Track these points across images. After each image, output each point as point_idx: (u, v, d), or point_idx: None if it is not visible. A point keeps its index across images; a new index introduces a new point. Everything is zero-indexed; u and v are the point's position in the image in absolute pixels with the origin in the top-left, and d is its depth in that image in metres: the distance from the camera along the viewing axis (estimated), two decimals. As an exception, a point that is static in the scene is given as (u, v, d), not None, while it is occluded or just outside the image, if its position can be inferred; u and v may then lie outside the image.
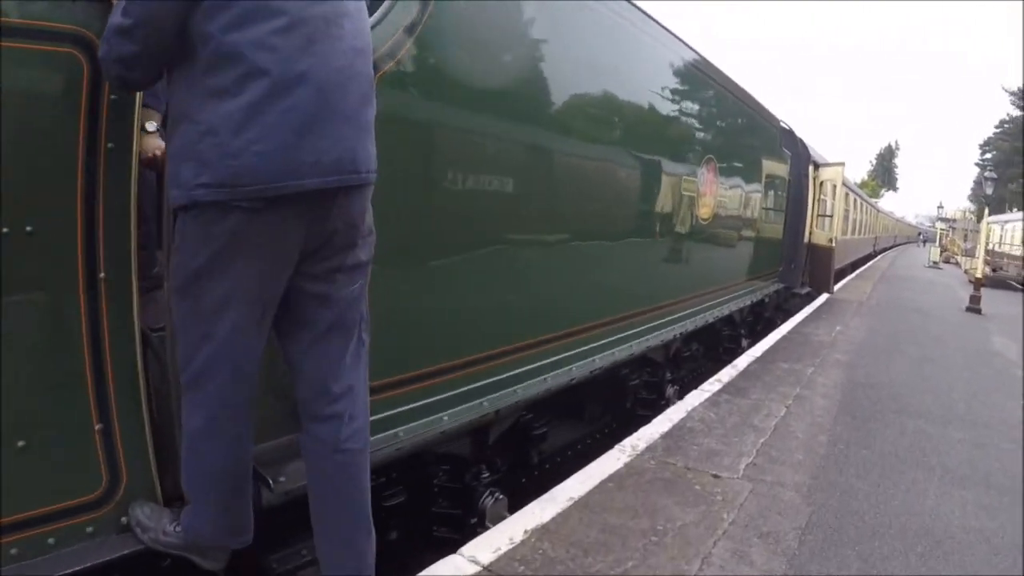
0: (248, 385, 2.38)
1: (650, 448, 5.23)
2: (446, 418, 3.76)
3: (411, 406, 3.54)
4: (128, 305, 2.37)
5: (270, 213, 2.16)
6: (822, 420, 6.31)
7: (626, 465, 4.87)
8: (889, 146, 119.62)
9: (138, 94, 2.36)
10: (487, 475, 4.49)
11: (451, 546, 3.76)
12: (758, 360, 8.87)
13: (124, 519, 2.42)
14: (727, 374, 7.91)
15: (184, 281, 2.25)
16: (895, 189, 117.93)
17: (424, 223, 3.56)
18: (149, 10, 2.06)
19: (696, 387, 7.32)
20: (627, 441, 5.37)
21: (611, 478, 4.62)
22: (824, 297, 15.73)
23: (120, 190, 2.33)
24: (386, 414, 3.37)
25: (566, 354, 4.96)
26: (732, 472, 4.85)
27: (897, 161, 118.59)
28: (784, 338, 10.68)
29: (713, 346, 10.32)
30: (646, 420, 6.11)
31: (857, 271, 27.91)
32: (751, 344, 10.46)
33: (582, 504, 4.19)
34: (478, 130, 3.92)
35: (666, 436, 5.53)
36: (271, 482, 2.78)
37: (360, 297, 2.59)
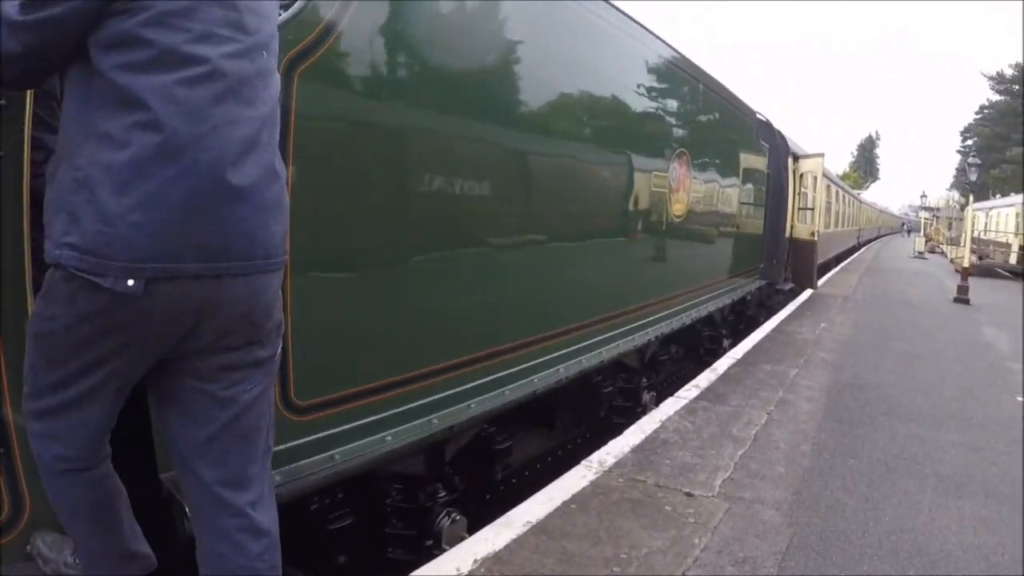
0: (99, 434, 2.10)
1: (619, 464, 4.91)
2: (390, 438, 3.54)
3: (349, 425, 3.32)
4: (23, 327, 2.17)
5: (146, 299, 1.86)
6: (806, 427, 5.99)
7: (592, 483, 4.56)
8: (870, 136, 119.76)
9: (28, 99, 2.19)
10: (443, 495, 4.26)
11: (405, 569, 3.59)
12: (739, 362, 8.56)
13: (29, 547, 2.33)
14: (706, 379, 7.59)
15: (39, 332, 1.98)
16: (877, 179, 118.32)
17: (360, 225, 3.36)
18: (47, 18, 1.80)
19: (674, 393, 7.01)
20: (595, 456, 5.06)
21: (575, 499, 4.32)
22: (808, 293, 15.48)
23: (13, 203, 2.20)
24: (320, 435, 3.18)
25: (527, 364, 4.72)
26: (707, 489, 4.53)
27: (878, 151, 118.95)
28: (767, 338, 10.38)
29: (693, 348, 10.09)
30: (622, 429, 5.84)
31: (841, 264, 27.74)
32: (733, 344, 10.18)
33: (540, 529, 3.90)
34: (419, 128, 3.67)
35: (637, 449, 5.21)
36: (189, 511, 2.52)
37: (262, 398, 2.24)
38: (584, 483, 4.55)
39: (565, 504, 4.23)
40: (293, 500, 3.14)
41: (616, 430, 5.89)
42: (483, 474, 5.02)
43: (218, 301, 1.99)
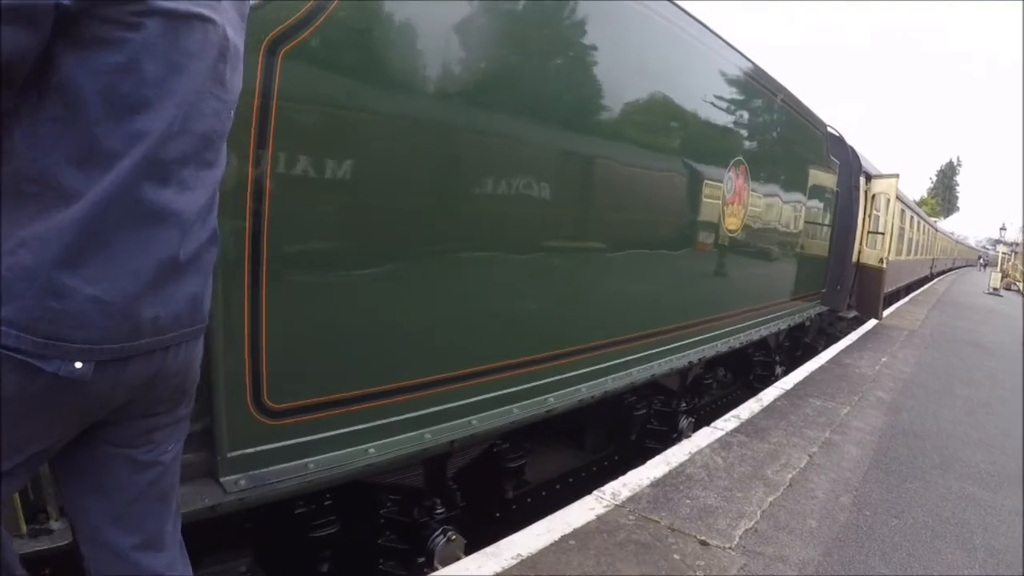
0: None
1: (634, 498, 4.54)
2: (372, 450, 3.38)
3: (327, 434, 3.19)
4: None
5: (91, 384, 1.59)
6: (850, 476, 5.47)
7: (599, 518, 4.21)
8: (951, 162, 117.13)
9: None
10: (441, 511, 4.10)
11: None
12: (787, 394, 8.06)
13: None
14: (748, 409, 7.13)
15: None
16: (956, 209, 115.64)
17: (346, 221, 3.15)
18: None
19: (714, 420, 6.63)
20: (608, 487, 4.70)
21: (576, 533, 3.98)
22: (871, 323, 14.87)
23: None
24: (294, 441, 3.06)
25: (541, 381, 4.44)
26: (725, 539, 4.11)
27: (959, 179, 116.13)
28: (821, 369, 9.85)
29: (744, 373, 9.70)
30: (654, 454, 5.51)
31: (911, 295, 26.90)
32: (786, 372, 9.71)
33: (529, 564, 3.59)
34: (419, 118, 3.39)
35: (658, 483, 4.82)
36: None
37: (179, 455, 2.02)
38: (590, 516, 4.22)
39: (564, 539, 3.91)
40: (264, 505, 3.04)
41: (648, 455, 5.55)
42: (494, 491, 4.84)
43: (164, 374, 1.78)
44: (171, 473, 1.97)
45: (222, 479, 2.84)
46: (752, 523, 4.37)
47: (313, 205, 2.96)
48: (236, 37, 1.82)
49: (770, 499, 4.78)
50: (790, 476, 5.27)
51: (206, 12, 1.63)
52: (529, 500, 5.35)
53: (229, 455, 2.88)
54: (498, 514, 5.01)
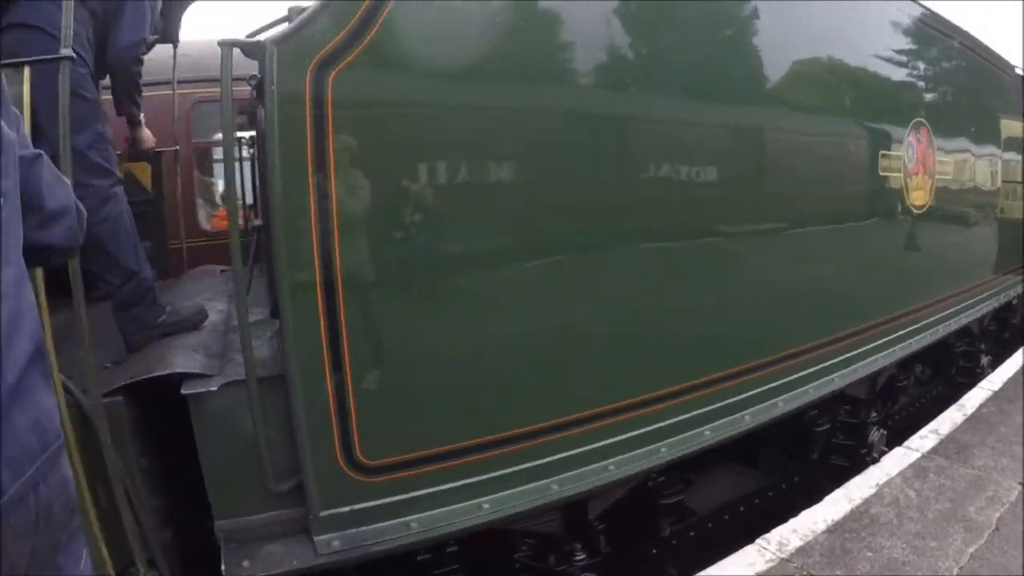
0: None
1: (805, 549, 4.04)
2: (487, 505, 3.28)
3: (432, 490, 3.16)
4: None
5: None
6: (1073, 512, 4.62)
7: (759, 576, 3.75)
8: None
9: None
10: (582, 557, 3.95)
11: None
12: (995, 396, 7.05)
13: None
14: (948, 421, 6.27)
15: None
16: None
17: (441, 235, 3.11)
18: None
19: (912, 428, 6.07)
20: (775, 534, 4.23)
21: (728, 600, 3.55)
22: (1090, 298, 13.50)
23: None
24: (392, 499, 3.08)
25: (693, 413, 4.13)
26: (909, 611, 3.53)
27: None
28: (1035, 361, 8.77)
29: (945, 367, 8.80)
30: (839, 475, 5.15)
31: None
32: (993, 363, 8.81)
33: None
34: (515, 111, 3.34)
35: (835, 529, 4.28)
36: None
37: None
38: (748, 574, 3.78)
39: (714, 607, 3.49)
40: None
41: (832, 475, 5.28)
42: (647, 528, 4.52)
43: (46, 507, 1.54)
44: None
45: (315, 538, 2.89)
46: (945, 588, 3.74)
47: (396, 220, 2.94)
48: None
49: (971, 550, 4.08)
50: (997, 515, 4.50)
51: None
52: (692, 534, 5.00)
53: (321, 514, 2.91)
54: (654, 551, 4.68)
